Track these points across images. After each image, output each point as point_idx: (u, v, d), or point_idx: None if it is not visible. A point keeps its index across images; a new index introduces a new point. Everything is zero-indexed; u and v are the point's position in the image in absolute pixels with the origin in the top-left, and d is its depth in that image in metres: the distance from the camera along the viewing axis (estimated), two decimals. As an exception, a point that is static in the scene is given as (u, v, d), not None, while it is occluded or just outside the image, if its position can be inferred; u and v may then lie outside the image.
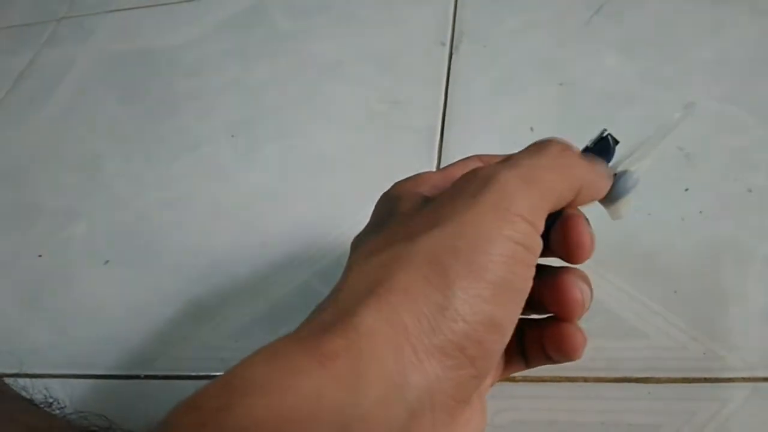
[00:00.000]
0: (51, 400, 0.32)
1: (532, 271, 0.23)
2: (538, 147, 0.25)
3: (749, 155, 0.40)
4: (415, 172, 0.45)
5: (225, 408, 0.17)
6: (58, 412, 0.31)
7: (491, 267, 0.21)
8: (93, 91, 0.61)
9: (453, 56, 0.53)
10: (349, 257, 0.26)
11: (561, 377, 0.34)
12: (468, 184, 0.23)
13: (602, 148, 0.28)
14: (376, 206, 0.28)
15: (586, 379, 0.34)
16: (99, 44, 0.66)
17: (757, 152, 0.40)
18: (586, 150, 0.28)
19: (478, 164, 0.28)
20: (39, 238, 0.50)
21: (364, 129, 0.50)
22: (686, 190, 0.39)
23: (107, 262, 0.47)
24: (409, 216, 0.25)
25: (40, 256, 0.49)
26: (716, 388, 0.32)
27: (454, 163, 0.29)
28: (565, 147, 0.25)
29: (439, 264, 0.21)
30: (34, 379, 0.37)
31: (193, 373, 0.40)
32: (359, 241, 0.26)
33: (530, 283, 0.23)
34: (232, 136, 0.53)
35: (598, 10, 0.51)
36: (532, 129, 0.46)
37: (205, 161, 0.52)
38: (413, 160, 0.46)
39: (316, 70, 0.56)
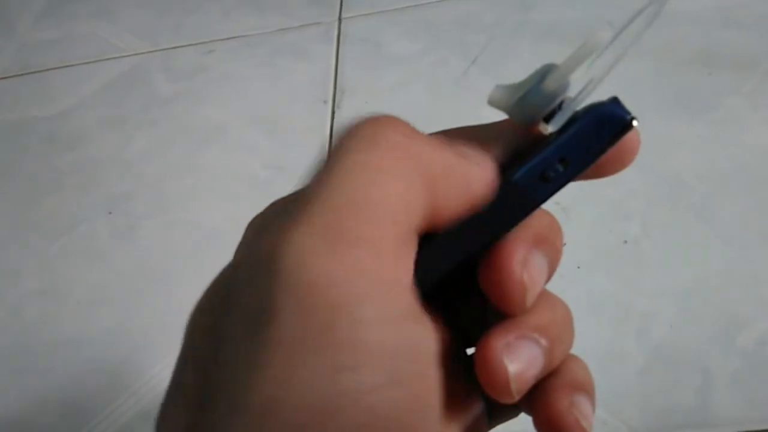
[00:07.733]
0: None
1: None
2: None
3: (622, 205, 0.40)
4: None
5: None
6: None
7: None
8: (-37, 171, 0.58)
9: (335, 114, 0.52)
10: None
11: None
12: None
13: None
14: None
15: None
16: (-30, 119, 0.62)
17: (630, 201, 0.40)
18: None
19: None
20: None
21: (248, 197, 0.48)
22: (564, 245, 0.39)
23: (-25, 365, 0.44)
24: None
25: None
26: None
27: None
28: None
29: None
30: None
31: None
32: None
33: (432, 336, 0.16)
34: (110, 213, 0.50)
35: (474, 61, 0.51)
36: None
37: (82, 243, 0.49)
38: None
39: (198, 135, 0.54)
